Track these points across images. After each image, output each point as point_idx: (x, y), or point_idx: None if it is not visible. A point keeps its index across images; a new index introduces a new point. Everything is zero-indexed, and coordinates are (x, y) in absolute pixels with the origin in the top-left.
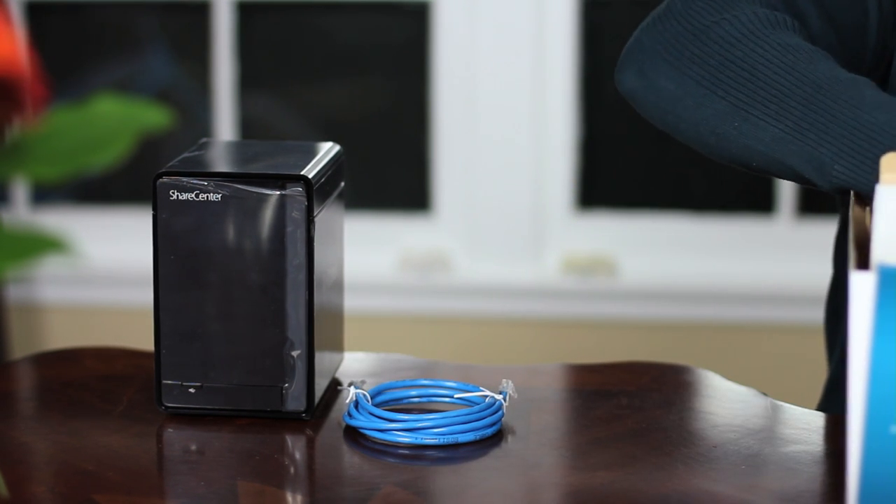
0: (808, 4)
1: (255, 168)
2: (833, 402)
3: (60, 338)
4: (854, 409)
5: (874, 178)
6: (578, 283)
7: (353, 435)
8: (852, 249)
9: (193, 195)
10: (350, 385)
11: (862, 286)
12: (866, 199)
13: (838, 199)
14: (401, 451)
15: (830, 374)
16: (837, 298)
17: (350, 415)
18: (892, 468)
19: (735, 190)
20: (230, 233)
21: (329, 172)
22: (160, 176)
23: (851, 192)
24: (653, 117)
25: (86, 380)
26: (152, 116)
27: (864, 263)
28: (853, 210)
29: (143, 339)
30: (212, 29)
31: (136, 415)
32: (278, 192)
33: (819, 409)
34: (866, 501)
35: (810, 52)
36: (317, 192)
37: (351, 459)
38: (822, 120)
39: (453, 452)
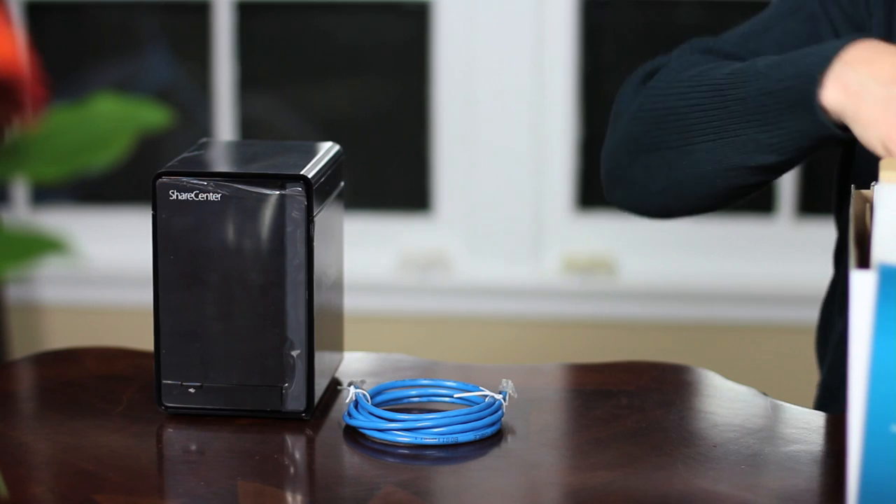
0: (751, 56)
1: (254, 168)
2: (828, 409)
3: (60, 338)
4: (854, 408)
5: (804, 124)
6: (578, 283)
7: (353, 435)
8: (853, 248)
9: (193, 195)
10: (350, 385)
11: (862, 285)
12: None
13: (834, 203)
14: (401, 451)
15: (823, 380)
16: (832, 305)
17: (350, 414)
18: (892, 468)
19: None
20: (230, 233)
21: (329, 172)
22: (160, 176)
23: (852, 189)
24: (650, 211)
25: (86, 380)
26: (152, 116)
27: (864, 262)
28: (853, 208)
29: (143, 339)
30: (212, 29)
31: (136, 415)
32: (278, 192)
33: None
34: (866, 501)
35: (714, 63)
36: (316, 191)
37: (351, 459)
38: (735, 109)
39: (453, 452)
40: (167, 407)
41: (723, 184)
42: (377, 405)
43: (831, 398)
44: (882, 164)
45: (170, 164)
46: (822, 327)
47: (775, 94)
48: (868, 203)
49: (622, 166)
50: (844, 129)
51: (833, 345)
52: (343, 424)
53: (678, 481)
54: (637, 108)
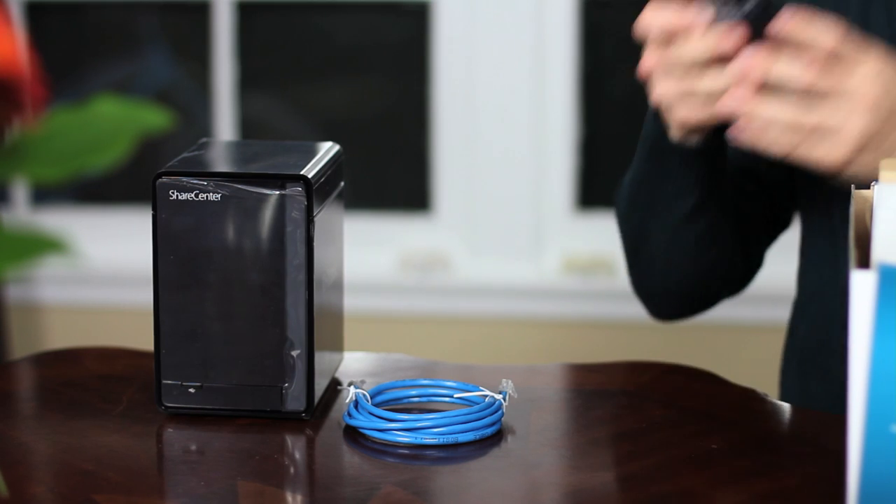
0: None
1: (254, 168)
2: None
3: (60, 338)
4: (854, 408)
5: (680, 159)
6: (578, 283)
7: (353, 435)
8: (852, 248)
9: (193, 195)
10: (350, 385)
11: (862, 285)
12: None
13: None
14: (401, 451)
15: (787, 386)
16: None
17: (350, 414)
18: (892, 468)
19: None
20: (230, 233)
21: (329, 172)
22: (160, 176)
23: (852, 189)
24: (686, 308)
25: (86, 380)
26: (152, 118)
27: (864, 262)
28: (853, 208)
29: (143, 339)
30: (212, 29)
31: (136, 415)
32: (278, 192)
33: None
34: (866, 501)
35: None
36: (316, 191)
37: (351, 459)
38: (644, 188)
39: (453, 452)
40: (167, 407)
41: (686, 243)
42: (377, 405)
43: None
44: (882, 164)
45: (170, 164)
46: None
47: (651, 158)
48: (868, 203)
49: (647, 283)
50: (718, 135)
51: (798, 348)
52: (343, 424)
53: (678, 481)
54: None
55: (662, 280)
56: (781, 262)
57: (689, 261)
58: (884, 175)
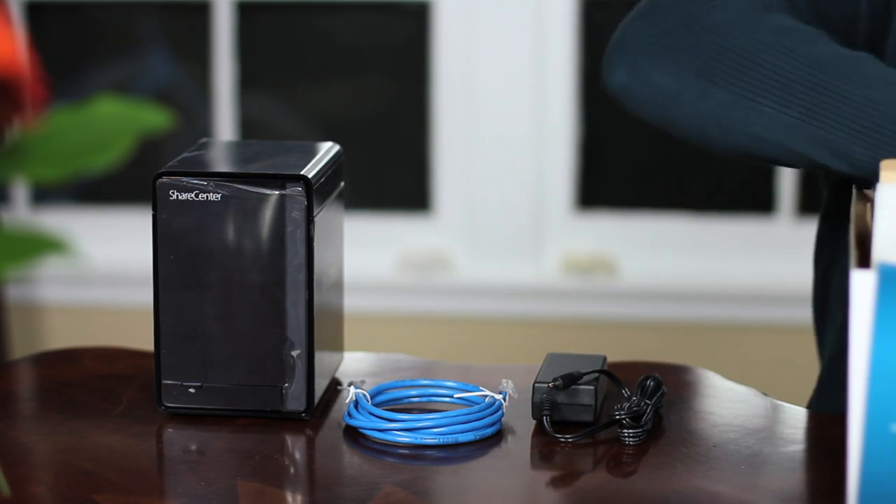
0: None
1: (254, 168)
2: (824, 402)
3: (60, 338)
4: (854, 408)
5: (893, 155)
6: (578, 283)
7: (353, 435)
8: (853, 248)
9: (193, 195)
10: (350, 385)
11: (862, 285)
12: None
13: (823, 188)
14: (401, 451)
15: (821, 373)
16: (823, 299)
17: (350, 415)
18: (892, 468)
19: (735, 190)
20: (230, 233)
21: (329, 172)
22: (160, 176)
23: (853, 189)
24: (648, 114)
25: (86, 380)
26: (152, 118)
27: (864, 262)
28: (854, 207)
29: (143, 339)
30: (212, 29)
31: (136, 415)
32: (278, 192)
33: (809, 405)
34: (866, 501)
35: (807, 33)
36: (316, 191)
37: (351, 459)
38: (831, 102)
39: (453, 452)
40: (167, 407)
41: (767, 156)
42: (377, 405)
43: (821, 391)
44: (883, 164)
45: (170, 164)
46: (818, 322)
47: (885, 114)
48: (868, 203)
49: (647, 63)
50: None
51: (831, 338)
52: (343, 424)
53: (678, 481)
54: (692, 17)
55: (690, 128)
56: (782, 264)
57: (748, 155)
58: (884, 175)
